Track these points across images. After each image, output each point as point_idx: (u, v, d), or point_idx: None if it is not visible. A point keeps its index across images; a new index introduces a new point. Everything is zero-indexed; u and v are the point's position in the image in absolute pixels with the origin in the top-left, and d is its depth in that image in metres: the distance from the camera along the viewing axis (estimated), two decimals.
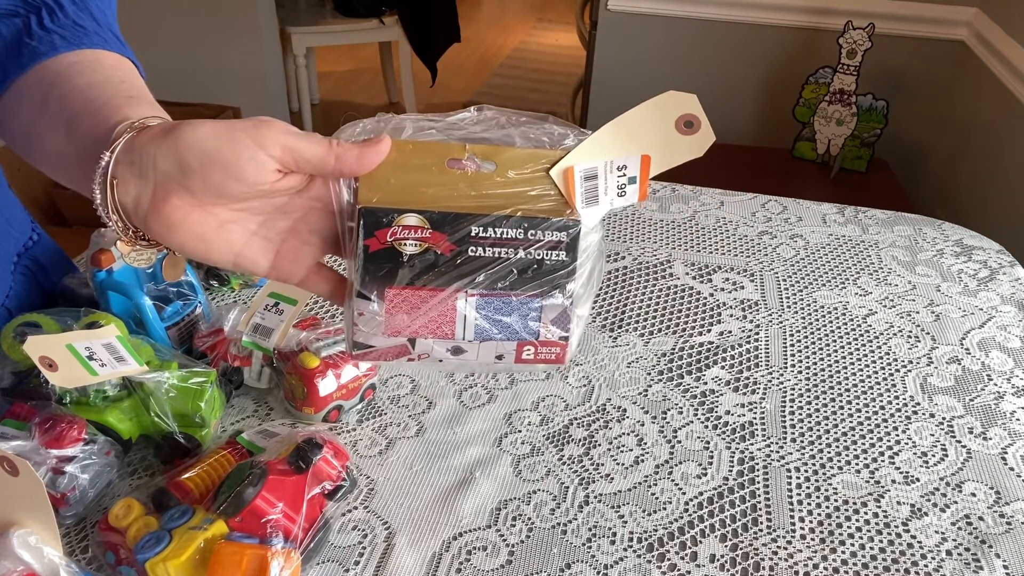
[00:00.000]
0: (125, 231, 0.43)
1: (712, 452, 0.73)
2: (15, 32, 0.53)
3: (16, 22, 0.55)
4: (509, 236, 0.45)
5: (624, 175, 0.47)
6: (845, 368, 0.84)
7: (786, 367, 0.84)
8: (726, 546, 0.64)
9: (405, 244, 0.44)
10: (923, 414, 0.79)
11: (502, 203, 0.45)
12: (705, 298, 0.95)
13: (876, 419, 0.78)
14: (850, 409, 0.79)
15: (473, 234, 0.44)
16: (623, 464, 0.71)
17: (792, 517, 0.67)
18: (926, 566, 0.63)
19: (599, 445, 0.73)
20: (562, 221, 0.45)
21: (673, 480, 0.70)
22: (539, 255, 0.45)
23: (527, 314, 0.46)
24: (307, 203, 0.45)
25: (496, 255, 0.45)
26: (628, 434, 0.74)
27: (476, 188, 0.45)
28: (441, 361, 0.46)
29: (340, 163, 0.41)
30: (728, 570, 0.62)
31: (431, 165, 0.44)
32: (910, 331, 0.90)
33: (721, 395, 0.80)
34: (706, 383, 0.81)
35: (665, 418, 0.76)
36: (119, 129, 0.43)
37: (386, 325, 0.45)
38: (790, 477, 0.71)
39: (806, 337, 0.89)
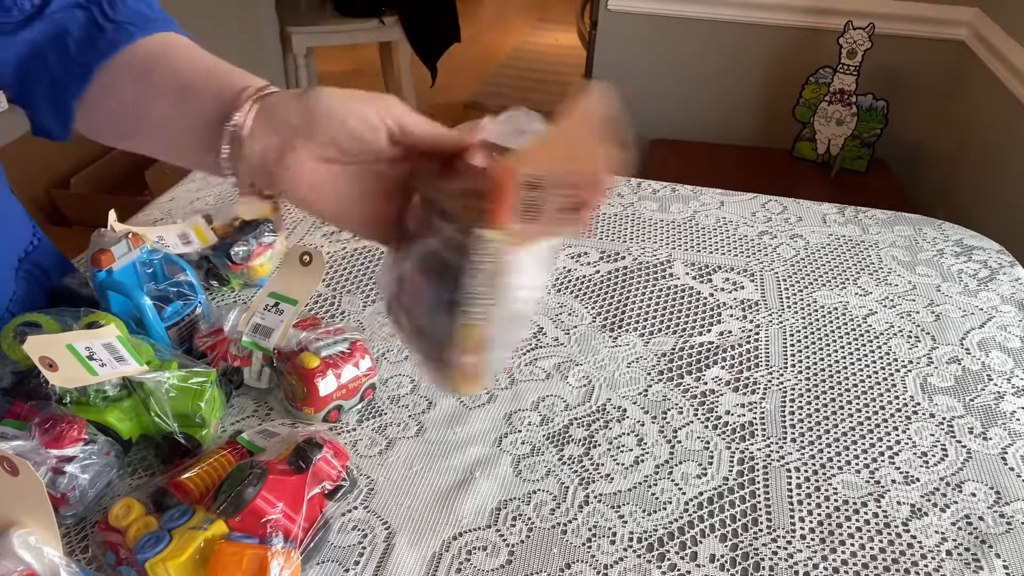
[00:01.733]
0: (244, 185, 0.48)
1: (712, 452, 0.73)
2: (82, 26, 0.54)
3: (78, 15, 0.55)
4: (443, 230, 0.44)
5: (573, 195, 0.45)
6: (845, 368, 0.84)
7: (786, 367, 0.84)
8: (726, 546, 0.64)
9: (410, 222, 0.47)
10: (923, 414, 0.79)
11: (458, 199, 0.44)
12: (705, 298, 0.95)
13: (876, 419, 0.78)
14: (850, 409, 0.79)
15: (432, 222, 0.45)
16: (623, 464, 0.71)
17: (792, 517, 0.67)
18: (926, 566, 0.63)
19: (599, 445, 0.73)
20: (463, 223, 0.42)
21: (673, 480, 0.70)
22: (449, 256, 0.43)
23: (440, 320, 0.44)
24: (402, 171, 0.49)
25: (432, 247, 0.44)
26: (628, 434, 0.74)
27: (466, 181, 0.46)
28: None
29: (439, 140, 0.48)
30: (728, 570, 0.62)
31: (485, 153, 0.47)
32: (910, 331, 0.90)
33: (721, 395, 0.80)
34: (706, 383, 0.81)
35: (665, 418, 0.76)
36: (248, 92, 0.47)
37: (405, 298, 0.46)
38: (790, 477, 0.71)
39: (806, 337, 0.89)
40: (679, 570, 0.62)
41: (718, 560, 0.63)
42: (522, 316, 0.44)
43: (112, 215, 0.80)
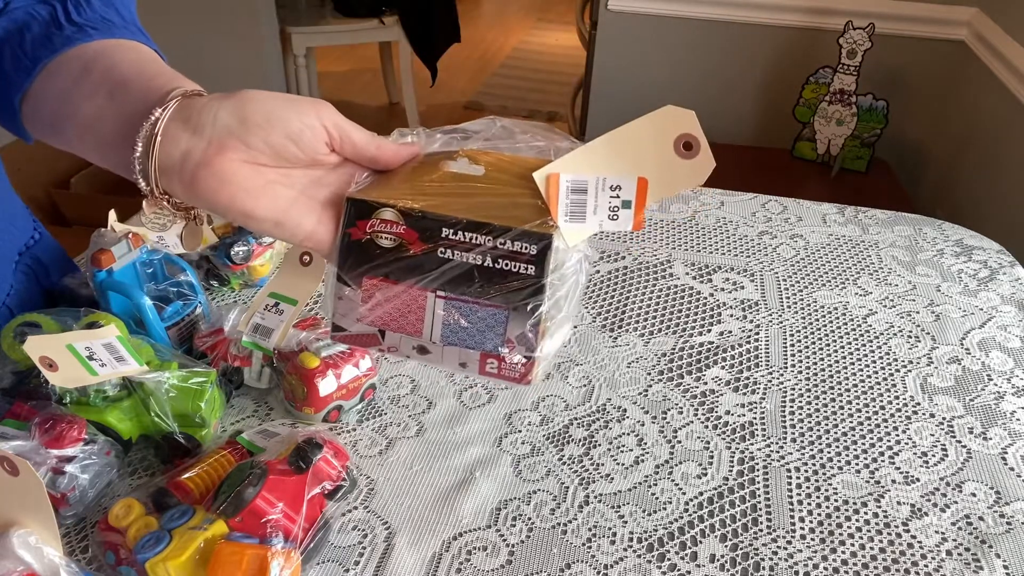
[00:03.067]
0: (152, 191, 0.46)
1: (712, 452, 0.73)
2: (43, 23, 0.54)
3: (42, 12, 0.54)
4: (479, 242, 0.43)
5: (618, 196, 0.44)
6: (845, 368, 0.84)
7: (786, 367, 0.84)
8: (726, 546, 0.64)
9: (381, 237, 0.45)
10: (923, 414, 0.79)
11: (482, 207, 0.44)
12: (705, 298, 0.95)
13: (876, 419, 0.78)
14: (850, 409, 0.79)
15: (444, 235, 0.44)
16: (623, 464, 0.71)
17: (792, 517, 0.67)
18: (926, 566, 0.63)
19: (599, 445, 0.73)
20: (533, 232, 0.43)
21: (673, 480, 0.70)
22: (505, 265, 0.43)
23: (493, 326, 0.44)
24: (341, 179, 0.48)
25: (464, 259, 0.44)
26: (628, 434, 0.74)
27: (462, 191, 0.45)
28: (408, 357, 0.48)
29: (380, 152, 0.47)
30: (728, 570, 0.62)
31: (428, 168, 0.46)
32: (910, 331, 0.90)
33: (721, 395, 0.80)
34: (706, 383, 0.81)
35: (665, 418, 0.76)
36: (174, 93, 0.46)
37: (360, 312, 0.46)
38: (790, 477, 0.71)
39: (806, 337, 0.89)
40: (679, 570, 0.62)
41: (718, 560, 0.63)
42: (572, 317, 0.46)
43: (112, 215, 0.80)
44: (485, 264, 0.43)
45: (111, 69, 0.49)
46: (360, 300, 0.46)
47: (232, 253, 0.85)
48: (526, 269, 0.43)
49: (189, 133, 0.44)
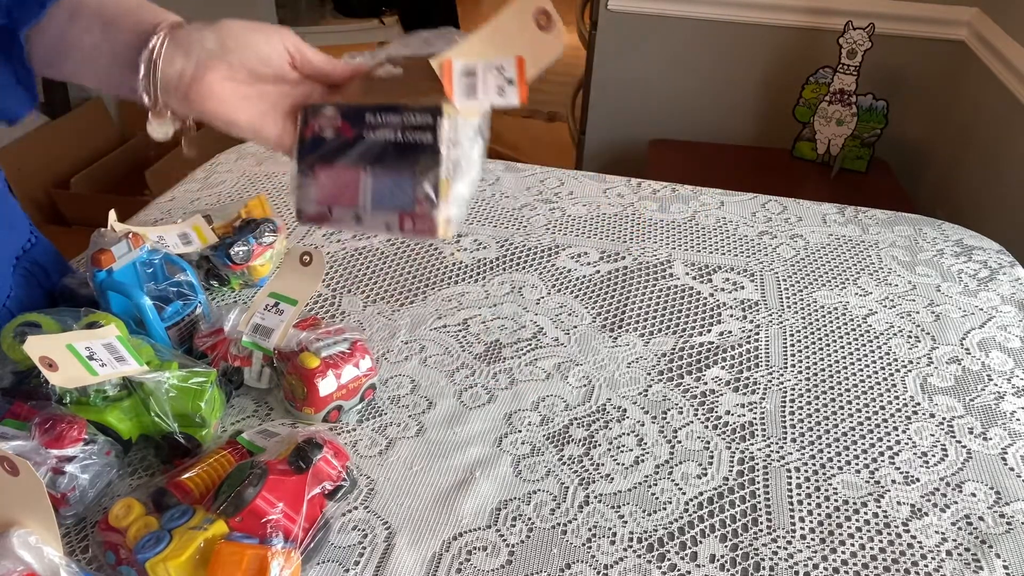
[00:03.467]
0: (155, 105, 0.55)
1: (712, 452, 0.73)
2: None
3: None
4: (393, 122, 0.53)
5: (502, 74, 0.53)
6: (845, 368, 0.84)
7: (786, 367, 0.84)
8: (726, 546, 0.64)
9: (325, 131, 0.55)
10: (923, 414, 0.79)
11: (396, 95, 0.54)
12: (705, 298, 0.95)
13: (876, 419, 0.78)
14: (850, 409, 0.79)
15: (366, 120, 0.54)
16: (623, 464, 0.71)
17: (792, 517, 0.67)
18: (926, 566, 0.63)
19: (599, 445, 0.73)
20: (427, 106, 0.52)
21: (673, 480, 0.70)
22: (411, 138, 0.53)
23: (405, 190, 0.53)
24: (302, 94, 0.57)
25: (381, 138, 0.53)
26: (628, 434, 0.74)
27: (384, 88, 0.55)
28: (349, 228, 0.59)
29: (332, 68, 0.57)
30: (728, 570, 0.62)
31: (365, 79, 0.57)
32: (910, 331, 0.90)
33: (721, 395, 0.80)
34: (706, 383, 0.81)
35: (665, 418, 0.76)
36: (163, 23, 0.54)
37: (316, 194, 0.55)
38: (790, 477, 0.71)
39: (806, 337, 0.89)
40: (679, 570, 0.62)
41: (718, 560, 0.63)
42: (472, 174, 0.56)
43: (112, 215, 0.80)
44: (397, 140, 0.53)
45: (101, 8, 0.56)
46: (314, 186, 0.55)
47: (232, 253, 0.85)
48: (425, 139, 0.53)
49: (182, 56, 0.53)
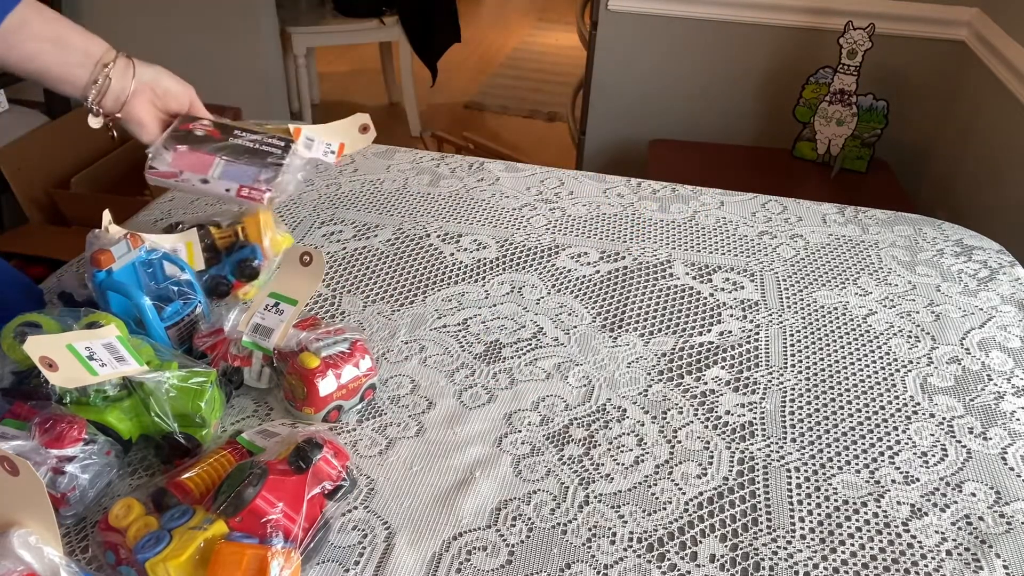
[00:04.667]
0: (95, 109, 0.78)
1: (712, 452, 0.73)
2: None
3: None
4: (253, 138, 0.82)
5: (329, 147, 0.87)
6: (845, 368, 0.84)
7: (786, 367, 0.84)
8: (726, 546, 0.64)
9: (197, 131, 0.81)
10: (923, 414, 0.79)
11: (259, 131, 0.83)
12: (705, 298, 0.95)
13: (876, 419, 0.78)
14: (850, 409, 0.79)
15: (234, 132, 0.82)
16: (623, 464, 0.71)
17: (792, 517, 0.67)
18: (926, 566, 0.63)
19: (599, 445, 0.73)
20: (286, 137, 0.83)
21: (673, 480, 0.70)
22: (266, 148, 0.81)
23: (250, 174, 0.79)
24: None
25: (245, 144, 0.81)
26: (628, 434, 0.74)
27: (242, 126, 0.83)
28: (194, 186, 0.79)
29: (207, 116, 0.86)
30: (728, 570, 0.62)
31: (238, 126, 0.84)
32: (910, 331, 0.90)
33: (721, 395, 0.80)
34: (706, 383, 0.81)
35: (665, 418, 0.76)
36: (110, 55, 0.77)
37: (171, 161, 0.79)
38: (790, 477, 0.71)
39: (806, 337, 0.89)
40: (679, 570, 0.62)
41: (718, 560, 0.63)
42: (293, 185, 0.82)
43: (106, 216, 0.79)
44: (256, 147, 0.81)
45: (49, 22, 0.75)
46: (172, 157, 0.79)
47: (210, 288, 0.83)
48: (276, 152, 0.82)
49: (127, 79, 0.78)
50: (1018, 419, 0.78)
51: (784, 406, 0.79)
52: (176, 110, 0.82)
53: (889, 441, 0.75)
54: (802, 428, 0.76)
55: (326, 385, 0.71)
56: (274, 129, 0.85)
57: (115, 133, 0.83)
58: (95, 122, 0.79)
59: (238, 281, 0.85)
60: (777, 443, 0.74)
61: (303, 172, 0.83)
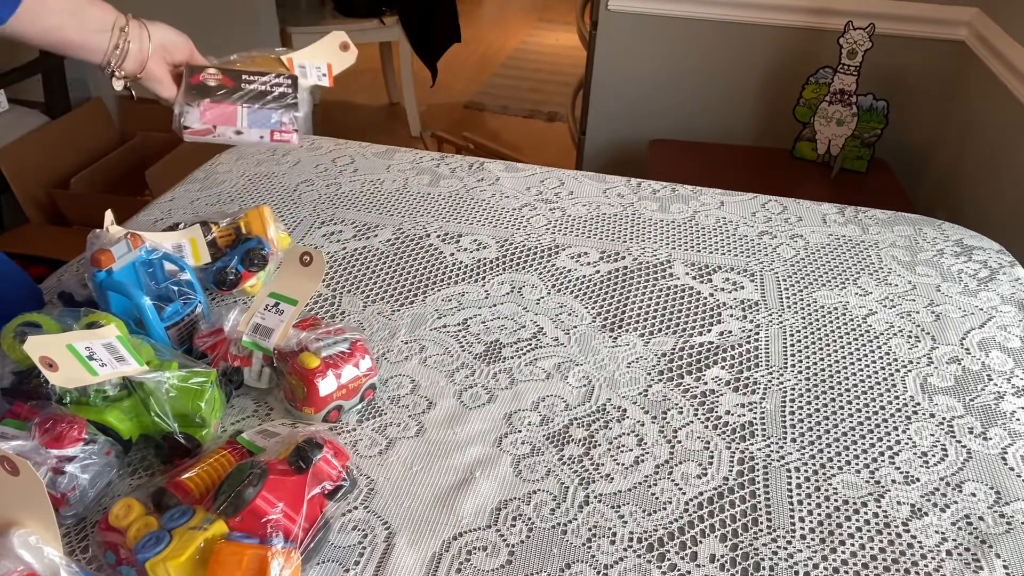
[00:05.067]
0: (114, 72, 0.79)
1: (712, 452, 0.73)
2: None
3: None
4: (263, 79, 0.85)
5: (320, 70, 0.91)
6: (845, 368, 0.84)
7: (786, 367, 0.84)
8: (726, 546, 0.64)
9: (209, 81, 0.83)
10: (923, 414, 0.79)
11: (264, 71, 0.87)
12: (705, 298, 0.95)
13: (876, 419, 0.78)
14: (850, 409, 0.79)
15: (243, 78, 0.85)
16: (623, 464, 0.71)
17: (792, 517, 0.67)
18: (926, 566, 0.63)
19: (599, 445, 0.73)
20: (290, 74, 0.87)
21: (673, 480, 0.70)
22: (276, 89, 0.85)
23: (274, 118, 0.84)
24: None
25: (256, 88, 0.85)
26: (628, 434, 0.74)
27: (258, 67, 0.87)
28: (229, 139, 0.84)
29: (208, 62, 0.87)
30: (728, 570, 0.62)
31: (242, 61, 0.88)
32: (910, 331, 0.90)
33: (721, 395, 0.80)
34: (706, 383, 0.81)
35: (665, 418, 0.76)
36: (126, 19, 0.79)
37: (201, 117, 0.82)
38: (790, 477, 0.71)
39: (806, 337, 0.89)
40: (679, 570, 0.62)
41: (718, 560, 0.63)
42: (304, 112, 0.87)
43: (108, 216, 0.80)
44: (266, 90, 0.85)
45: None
46: (199, 113, 0.82)
47: (218, 281, 0.83)
48: (287, 91, 0.86)
49: (144, 40, 0.80)
50: (1018, 419, 0.78)
51: (784, 406, 0.79)
52: (180, 61, 0.84)
53: (889, 441, 0.75)
54: (802, 428, 0.76)
55: (326, 385, 0.71)
56: (265, 60, 0.89)
57: (134, 93, 0.85)
58: (118, 84, 0.81)
59: (246, 271, 0.85)
60: (777, 443, 0.74)
61: (307, 104, 0.89)
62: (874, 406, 0.79)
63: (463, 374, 0.81)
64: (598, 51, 2.03)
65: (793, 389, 0.81)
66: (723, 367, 0.84)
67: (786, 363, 0.85)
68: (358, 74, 3.62)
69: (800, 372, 0.83)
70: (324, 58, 0.94)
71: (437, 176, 1.19)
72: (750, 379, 0.82)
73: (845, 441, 0.75)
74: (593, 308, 0.92)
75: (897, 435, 0.76)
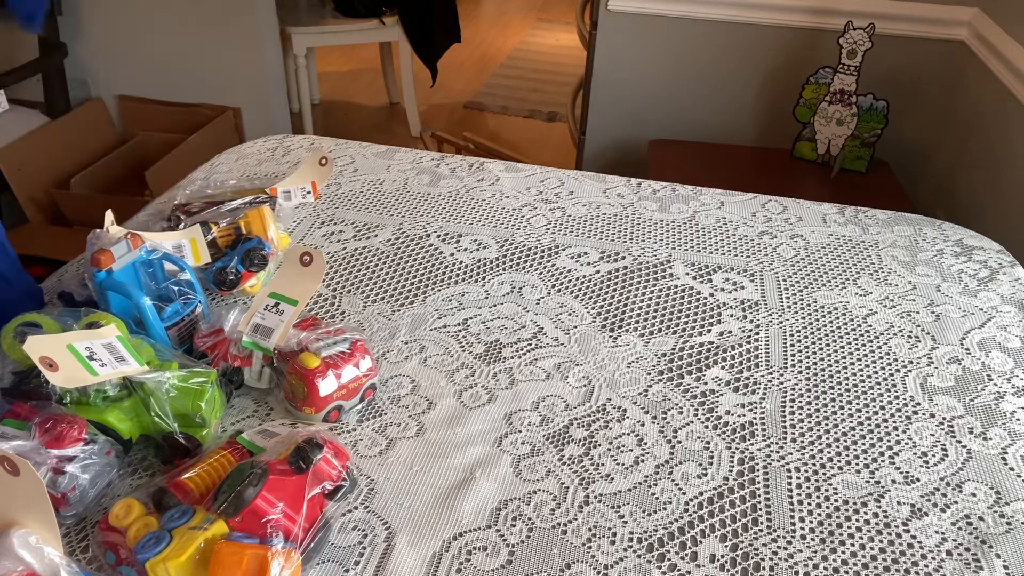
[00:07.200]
0: None
1: (712, 452, 0.73)
2: None
3: None
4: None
5: (304, 190, 1.05)
6: (845, 368, 0.84)
7: (786, 367, 0.84)
8: (726, 546, 0.64)
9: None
10: (923, 414, 0.79)
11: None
12: (705, 298, 0.95)
13: (876, 419, 0.78)
14: (850, 409, 0.79)
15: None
16: (623, 464, 0.71)
17: (792, 517, 0.67)
18: (926, 566, 0.63)
19: (599, 445, 0.73)
20: (270, 196, 0.98)
21: (673, 480, 0.70)
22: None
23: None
24: None
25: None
26: (628, 434, 0.74)
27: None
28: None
29: None
30: (728, 570, 0.62)
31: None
32: (910, 331, 0.90)
33: (721, 395, 0.80)
34: (706, 383, 0.81)
35: (665, 418, 0.76)
36: None
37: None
38: (790, 477, 0.71)
39: (806, 337, 0.89)
40: (679, 570, 0.62)
41: (718, 560, 0.63)
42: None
43: (109, 216, 0.80)
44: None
45: None
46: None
47: (219, 282, 0.84)
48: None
49: None
50: (1018, 419, 0.78)
51: (784, 406, 0.79)
52: None
53: (889, 441, 0.75)
54: (802, 428, 0.76)
55: (326, 385, 0.71)
56: (252, 191, 0.97)
57: None
58: None
59: (246, 271, 0.86)
60: (777, 443, 0.74)
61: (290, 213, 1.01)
62: (874, 406, 0.79)
63: (463, 374, 0.81)
64: (598, 51, 2.03)
65: (793, 389, 0.81)
66: (723, 367, 0.84)
67: (786, 363, 0.85)
68: (358, 74, 3.62)
69: (800, 372, 0.83)
70: (308, 177, 1.05)
71: (437, 176, 1.19)
72: (750, 379, 0.82)
73: (845, 441, 0.75)
74: (593, 308, 0.92)
75: (897, 435, 0.76)
